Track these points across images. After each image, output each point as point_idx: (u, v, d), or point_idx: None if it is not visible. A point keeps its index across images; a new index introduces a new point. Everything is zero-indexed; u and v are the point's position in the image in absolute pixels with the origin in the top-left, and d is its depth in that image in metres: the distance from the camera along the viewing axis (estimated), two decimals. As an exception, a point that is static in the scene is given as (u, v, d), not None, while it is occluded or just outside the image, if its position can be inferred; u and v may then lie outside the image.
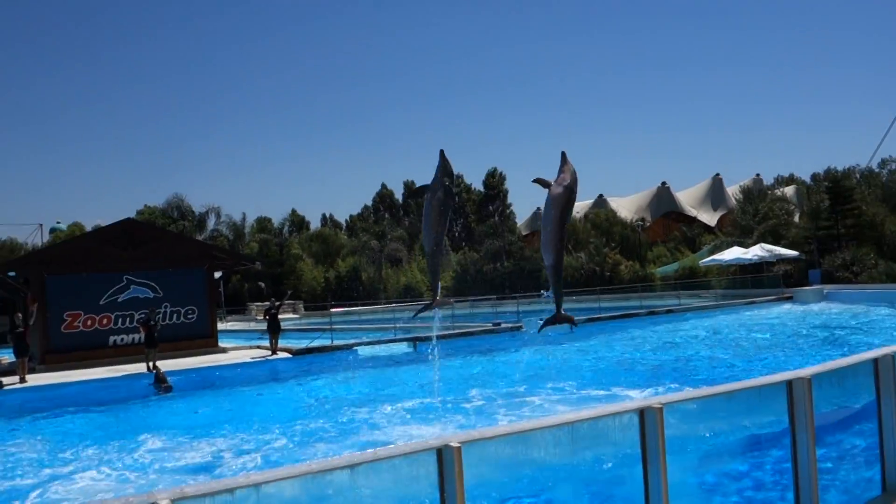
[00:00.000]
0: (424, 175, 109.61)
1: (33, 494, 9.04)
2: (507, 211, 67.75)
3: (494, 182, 67.81)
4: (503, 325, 26.07)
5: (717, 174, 70.00)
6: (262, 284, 54.82)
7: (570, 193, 11.16)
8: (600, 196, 69.17)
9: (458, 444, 4.89)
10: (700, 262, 45.71)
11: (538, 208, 70.56)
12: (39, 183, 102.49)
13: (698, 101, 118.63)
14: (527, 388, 14.79)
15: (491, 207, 67.27)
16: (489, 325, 26.42)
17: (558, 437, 5.95)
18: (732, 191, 66.20)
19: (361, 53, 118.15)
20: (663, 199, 67.36)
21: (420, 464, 5.20)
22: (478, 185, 70.04)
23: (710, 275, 44.44)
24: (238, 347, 25.25)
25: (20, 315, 20.81)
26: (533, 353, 21.07)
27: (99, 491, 8.83)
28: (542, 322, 12.28)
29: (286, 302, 36.20)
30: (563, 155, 11.36)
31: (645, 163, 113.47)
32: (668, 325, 27.70)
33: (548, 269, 11.68)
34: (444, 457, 4.91)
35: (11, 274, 25.08)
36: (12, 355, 20.59)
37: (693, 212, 66.92)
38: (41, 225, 64.98)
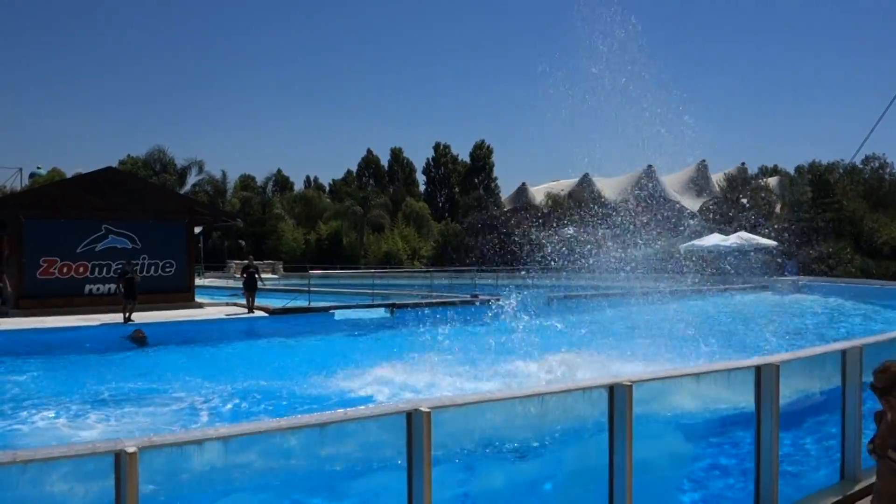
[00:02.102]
0: (411, 142, 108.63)
1: None
2: (493, 184, 67.63)
3: (481, 154, 67.61)
4: (481, 297, 26.19)
5: (703, 161, 70.26)
6: (243, 242, 54.57)
7: None
8: (586, 175, 69.28)
9: (428, 410, 4.93)
10: (680, 246, 46.00)
11: (523, 183, 70.65)
12: (20, 127, 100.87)
13: (690, 87, 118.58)
14: (498, 356, 14.90)
15: (476, 180, 67.12)
16: (467, 297, 26.53)
17: (527, 408, 6.02)
18: (717, 178, 66.51)
19: (352, 17, 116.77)
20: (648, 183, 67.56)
21: (389, 427, 5.25)
22: (464, 157, 69.87)
23: (689, 260, 44.74)
24: (215, 304, 25.17)
25: (-5, 258, 20.61)
26: (506, 325, 21.22)
27: (66, 437, 8.84)
28: None
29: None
30: None
31: (634, 146, 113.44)
32: (645, 306, 27.88)
33: None
34: (414, 421, 4.95)
35: (-12, 216, 24.77)
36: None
37: (676, 196, 67.22)
38: (20, 169, 63.99)
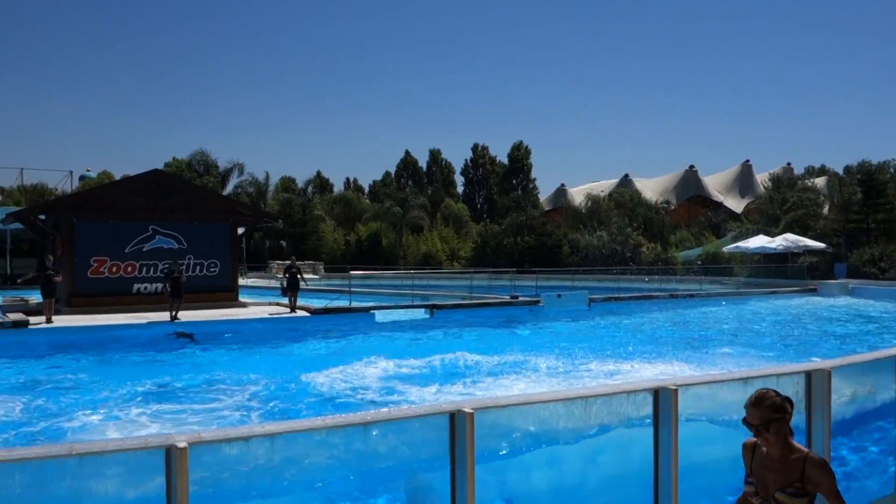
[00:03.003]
0: (449, 143, 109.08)
1: (48, 428, 9.28)
2: (531, 185, 67.41)
3: (519, 155, 67.42)
4: (520, 299, 26.10)
5: (747, 160, 69.08)
6: (284, 243, 55.19)
7: None
8: (626, 176, 68.60)
9: (472, 410, 4.94)
10: (724, 248, 45.30)
11: (562, 184, 70.32)
12: (71, 131, 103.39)
13: (732, 87, 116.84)
14: (543, 358, 14.85)
15: (514, 181, 66.98)
16: (507, 298, 26.46)
17: (571, 410, 5.97)
18: (761, 178, 65.34)
19: (391, 20, 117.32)
20: (690, 183, 66.65)
21: (431, 425, 5.26)
22: (502, 158, 69.74)
23: (734, 262, 44.05)
24: (258, 303, 25.50)
25: (51, 257, 21.12)
26: (551, 327, 21.16)
27: (121, 432, 9.03)
28: None
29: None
30: None
31: (674, 146, 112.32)
32: (688, 309, 27.55)
33: None
34: (457, 421, 4.96)
35: (42, 217, 25.45)
36: (40, 296, 20.94)
37: (720, 197, 66.20)
38: (71, 172, 65.67)
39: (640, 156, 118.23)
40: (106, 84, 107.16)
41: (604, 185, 68.35)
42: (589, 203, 58.45)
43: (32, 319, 19.40)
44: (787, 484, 3.52)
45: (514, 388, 11.67)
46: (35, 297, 24.78)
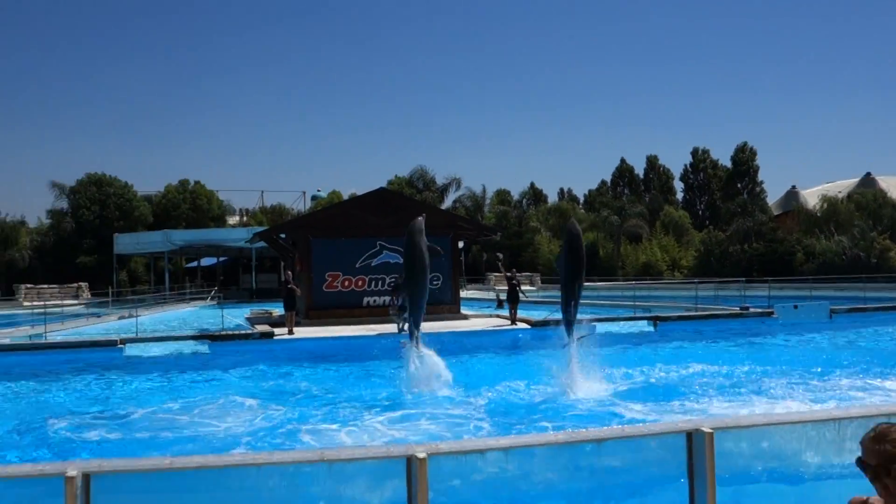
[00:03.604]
0: (666, 149, 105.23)
1: (293, 431, 10.06)
2: (758, 189, 63.26)
3: (744, 157, 63.50)
4: (752, 310, 24.50)
5: None
6: (500, 255, 56.20)
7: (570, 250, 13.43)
8: (868, 175, 62.30)
9: (711, 430, 4.69)
10: None
11: (793, 186, 65.38)
12: (303, 154, 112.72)
13: None
14: (780, 374, 13.82)
15: (739, 185, 63.22)
16: (736, 309, 24.96)
17: (822, 434, 5.48)
18: None
19: (601, 26, 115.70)
20: (950, 180, 59.23)
21: (666, 444, 5.07)
22: (725, 161, 66.22)
23: None
24: (479, 315, 26.13)
25: (290, 273, 23.12)
26: (787, 340, 19.67)
27: (357, 440, 9.61)
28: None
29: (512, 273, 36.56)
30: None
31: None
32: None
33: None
34: (695, 441, 4.74)
35: (282, 235, 27.97)
36: (282, 308, 23.00)
37: None
38: (304, 192, 71.49)
39: (885, 152, 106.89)
40: (335, 110, 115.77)
41: (841, 186, 62.65)
42: (825, 205, 53.89)
43: (276, 331, 21.29)
44: None
45: (749, 406, 10.95)
46: (277, 310, 27.25)
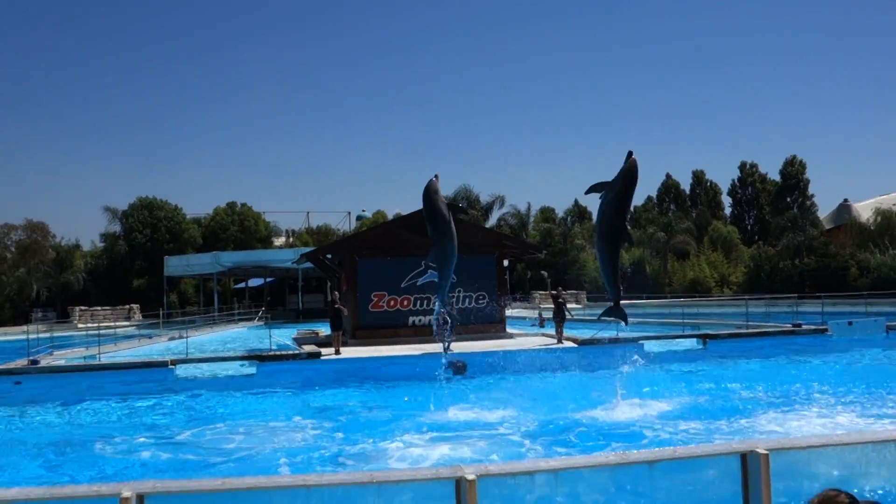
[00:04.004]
0: (713, 163, 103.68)
1: (340, 452, 10.11)
2: (808, 203, 61.91)
3: (793, 171, 62.26)
4: (804, 327, 23.91)
5: None
6: (545, 273, 55.90)
7: (625, 181, 11.73)
8: (926, 185, 60.56)
9: (766, 451, 4.59)
10: None
11: (845, 199, 63.85)
12: (348, 175, 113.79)
13: None
14: (836, 393, 13.45)
15: (789, 199, 61.97)
16: (788, 326, 24.40)
17: (883, 454, 5.32)
18: None
19: (649, 42, 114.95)
20: None
21: (720, 465, 4.97)
22: (773, 175, 65.02)
23: None
24: (524, 334, 26.01)
25: (337, 293, 23.32)
26: (842, 358, 19.15)
27: (403, 458, 9.61)
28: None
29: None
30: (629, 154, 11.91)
31: None
32: None
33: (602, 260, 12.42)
34: (749, 463, 4.64)
35: (328, 256, 28.23)
36: (328, 328, 23.17)
37: None
38: (349, 212, 72.14)
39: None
40: (378, 128, 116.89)
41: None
42: (879, 218, 52.47)
43: (323, 350, 21.45)
44: None
45: (805, 426, 10.67)
46: (324, 329, 27.45)
